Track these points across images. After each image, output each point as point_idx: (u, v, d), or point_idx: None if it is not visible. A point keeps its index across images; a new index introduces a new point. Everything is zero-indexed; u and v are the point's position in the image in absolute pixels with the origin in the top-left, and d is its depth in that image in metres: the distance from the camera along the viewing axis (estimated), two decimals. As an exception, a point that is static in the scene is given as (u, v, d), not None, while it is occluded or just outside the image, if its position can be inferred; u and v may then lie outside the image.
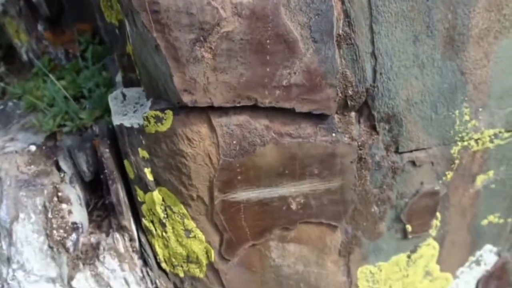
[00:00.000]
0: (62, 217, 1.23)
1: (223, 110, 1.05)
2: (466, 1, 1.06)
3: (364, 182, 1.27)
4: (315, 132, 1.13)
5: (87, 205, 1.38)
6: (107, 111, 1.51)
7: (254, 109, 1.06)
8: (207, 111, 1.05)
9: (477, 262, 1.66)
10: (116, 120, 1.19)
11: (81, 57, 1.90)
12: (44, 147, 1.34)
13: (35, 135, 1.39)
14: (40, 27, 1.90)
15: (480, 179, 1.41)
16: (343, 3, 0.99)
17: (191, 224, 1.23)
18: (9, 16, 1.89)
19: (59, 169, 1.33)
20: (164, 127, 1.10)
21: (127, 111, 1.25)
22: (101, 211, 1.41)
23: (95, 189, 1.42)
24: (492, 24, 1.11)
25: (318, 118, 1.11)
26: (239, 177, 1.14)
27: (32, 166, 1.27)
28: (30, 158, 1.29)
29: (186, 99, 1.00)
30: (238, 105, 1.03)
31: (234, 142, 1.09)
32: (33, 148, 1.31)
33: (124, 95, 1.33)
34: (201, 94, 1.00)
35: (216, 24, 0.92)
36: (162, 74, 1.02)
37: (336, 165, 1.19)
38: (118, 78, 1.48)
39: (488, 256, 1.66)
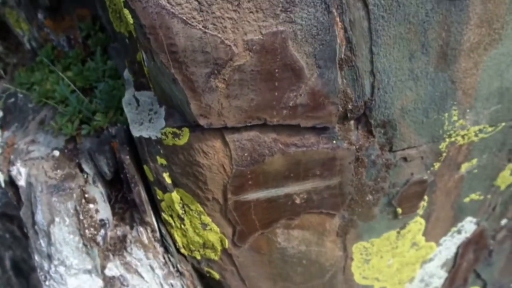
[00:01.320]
0: (91, 217, 1.37)
1: (235, 128, 1.16)
2: (459, 19, 1.13)
3: (361, 177, 1.41)
4: (317, 141, 1.24)
5: (109, 199, 1.52)
6: (119, 108, 1.59)
7: (263, 126, 1.16)
8: (221, 129, 1.16)
9: (459, 231, 1.86)
10: (135, 132, 1.29)
11: (83, 44, 1.93)
12: (66, 151, 1.45)
13: (55, 138, 1.49)
14: (40, 16, 1.91)
15: (465, 167, 1.56)
16: (345, 31, 1.06)
17: (207, 219, 1.38)
18: (8, 7, 1.88)
19: (81, 170, 1.45)
20: (181, 141, 1.21)
21: (143, 119, 1.34)
22: (122, 203, 1.55)
23: (114, 184, 1.55)
24: (483, 38, 1.19)
25: (320, 129, 1.22)
26: (250, 182, 1.28)
27: (59, 171, 1.39)
28: (55, 163, 1.40)
29: (202, 122, 1.10)
30: (249, 124, 1.14)
31: (246, 154, 1.21)
32: (56, 153, 1.42)
33: (137, 100, 1.41)
34: (216, 118, 1.10)
35: (229, 59, 1.00)
36: (179, 99, 1.11)
37: (336, 166, 1.32)
38: (126, 74, 1.54)
39: (468, 225, 1.86)
